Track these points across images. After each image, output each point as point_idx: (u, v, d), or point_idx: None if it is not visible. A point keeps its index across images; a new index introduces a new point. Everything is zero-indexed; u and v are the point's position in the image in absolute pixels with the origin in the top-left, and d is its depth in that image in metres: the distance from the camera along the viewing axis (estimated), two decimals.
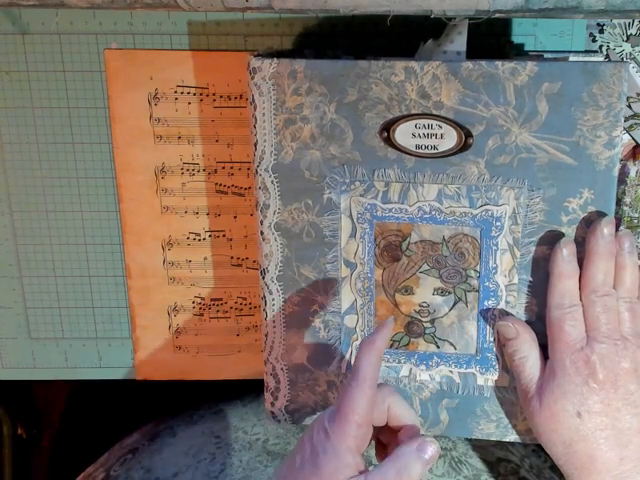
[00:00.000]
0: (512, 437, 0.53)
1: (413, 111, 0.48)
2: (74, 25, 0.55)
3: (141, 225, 0.59)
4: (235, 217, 0.59)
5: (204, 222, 0.59)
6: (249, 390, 0.64)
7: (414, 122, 0.48)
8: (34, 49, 0.56)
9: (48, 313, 0.62)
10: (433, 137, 0.48)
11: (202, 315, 0.61)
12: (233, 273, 0.60)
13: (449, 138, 0.48)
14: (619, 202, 0.56)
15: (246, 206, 0.58)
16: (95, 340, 0.63)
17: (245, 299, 0.60)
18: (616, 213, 0.56)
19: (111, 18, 0.55)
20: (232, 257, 0.60)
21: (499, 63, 0.46)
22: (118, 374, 0.63)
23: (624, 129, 0.54)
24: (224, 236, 0.59)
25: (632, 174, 0.55)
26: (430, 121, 0.48)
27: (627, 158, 0.55)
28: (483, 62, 0.46)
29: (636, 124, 0.54)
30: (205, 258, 0.60)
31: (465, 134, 0.47)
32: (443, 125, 0.47)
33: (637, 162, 0.55)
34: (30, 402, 0.84)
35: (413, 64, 0.47)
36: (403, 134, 0.48)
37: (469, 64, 0.46)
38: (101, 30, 0.56)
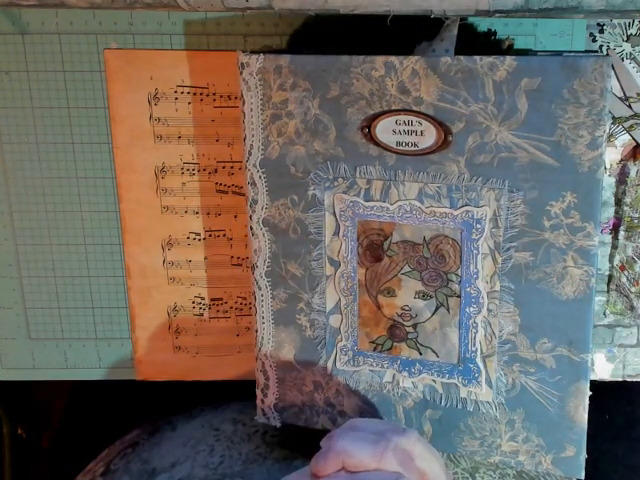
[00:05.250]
0: (497, 458, 0.52)
1: (393, 107, 0.48)
2: (74, 25, 0.55)
3: (141, 225, 0.59)
4: (235, 216, 0.59)
5: (204, 222, 0.59)
6: (248, 390, 0.64)
7: (394, 118, 0.48)
8: (34, 49, 0.56)
9: (48, 313, 0.62)
10: (413, 134, 0.48)
11: (202, 315, 0.61)
12: (233, 273, 0.60)
13: (429, 135, 0.47)
14: (619, 202, 0.56)
15: None
16: (95, 340, 0.63)
17: (245, 299, 0.60)
18: (616, 213, 0.56)
19: (111, 18, 0.55)
20: (232, 257, 0.60)
21: (477, 58, 0.45)
22: (118, 374, 0.63)
23: (624, 129, 0.54)
24: (224, 236, 0.59)
25: (632, 174, 0.55)
26: (410, 117, 0.47)
27: (627, 158, 0.55)
28: (462, 57, 0.46)
29: (636, 124, 0.54)
30: (205, 258, 0.60)
31: (445, 131, 0.47)
32: (423, 122, 0.47)
33: (637, 162, 0.55)
34: (30, 402, 0.84)
35: (393, 59, 0.47)
36: (384, 130, 0.48)
37: (447, 59, 0.46)
38: (101, 30, 0.56)
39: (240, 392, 0.64)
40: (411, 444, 0.43)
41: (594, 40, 0.53)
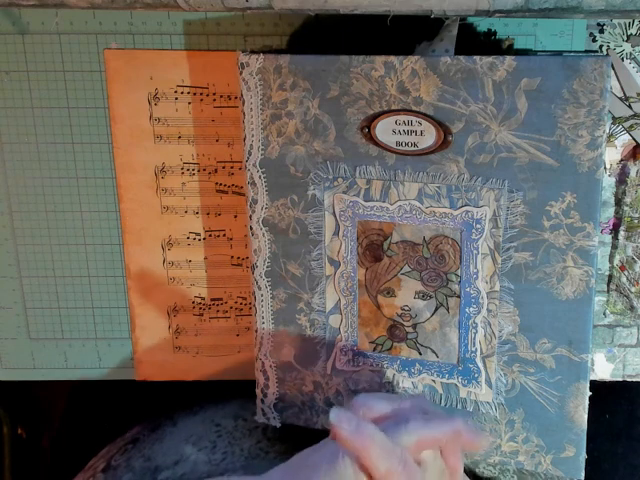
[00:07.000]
0: (496, 458, 0.52)
1: (393, 107, 0.48)
2: (74, 25, 0.55)
3: (141, 225, 0.59)
4: (235, 216, 0.59)
5: (204, 222, 0.59)
6: (249, 390, 0.65)
7: (394, 118, 0.48)
8: (34, 49, 0.56)
9: (48, 313, 0.62)
10: (413, 134, 0.48)
11: (202, 315, 0.61)
12: (233, 273, 0.60)
13: (429, 135, 0.47)
14: (619, 202, 0.56)
15: None
16: (95, 340, 0.63)
17: (245, 299, 0.60)
18: (616, 213, 0.56)
19: (111, 18, 0.55)
20: (232, 257, 0.60)
21: (477, 58, 0.45)
22: (118, 374, 0.63)
23: (624, 129, 0.54)
24: (224, 236, 0.59)
25: (632, 174, 0.55)
26: (410, 117, 0.47)
27: (627, 158, 0.55)
28: (461, 57, 0.46)
29: (636, 124, 0.54)
30: (205, 258, 0.60)
31: (444, 131, 0.47)
32: (423, 122, 0.47)
33: (637, 162, 0.55)
34: (30, 402, 0.84)
35: (392, 59, 0.47)
36: (383, 130, 0.48)
37: (447, 59, 0.46)
38: (101, 30, 0.56)
39: (240, 391, 0.64)
40: (426, 403, 0.43)
41: (594, 40, 0.53)
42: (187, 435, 0.59)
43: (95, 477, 0.58)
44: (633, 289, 0.57)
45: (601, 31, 0.53)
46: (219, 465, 0.55)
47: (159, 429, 0.61)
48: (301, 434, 0.57)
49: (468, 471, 0.55)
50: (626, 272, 0.57)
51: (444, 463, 0.41)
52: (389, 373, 0.53)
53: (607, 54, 0.53)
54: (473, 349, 0.51)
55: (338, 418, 0.39)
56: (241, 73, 0.50)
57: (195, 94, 0.56)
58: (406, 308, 0.52)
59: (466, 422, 0.40)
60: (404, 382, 0.53)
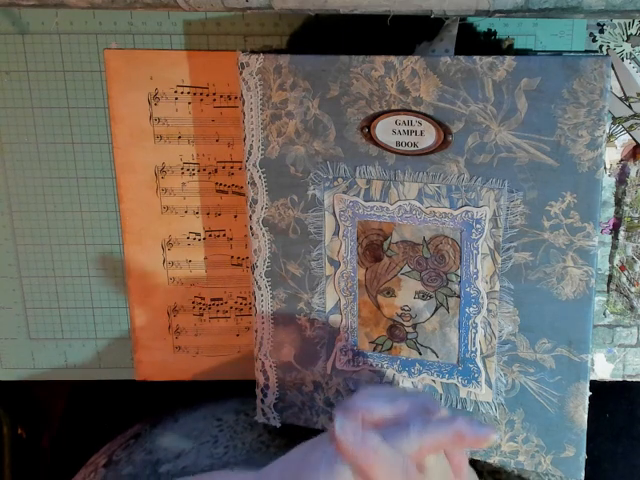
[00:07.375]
0: (496, 458, 0.52)
1: (393, 107, 0.48)
2: (74, 25, 0.55)
3: (141, 225, 0.59)
4: (235, 216, 0.59)
5: (204, 222, 0.59)
6: (249, 389, 0.65)
7: (394, 118, 0.48)
8: (34, 49, 0.56)
9: (48, 313, 0.62)
10: (413, 134, 0.48)
11: (202, 315, 0.61)
12: (233, 273, 0.60)
13: (429, 135, 0.47)
14: (619, 202, 0.56)
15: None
16: (95, 340, 0.63)
17: (245, 299, 0.60)
18: (616, 213, 0.56)
19: (111, 18, 0.55)
20: (232, 257, 0.60)
21: (477, 58, 0.45)
22: (118, 374, 0.63)
23: (624, 129, 0.54)
24: (224, 236, 0.59)
25: (632, 174, 0.55)
26: (410, 117, 0.47)
27: (627, 158, 0.55)
28: (461, 57, 0.46)
29: (636, 124, 0.54)
30: (205, 258, 0.60)
31: (444, 131, 0.47)
32: (422, 122, 0.47)
33: (637, 162, 0.55)
34: (30, 402, 0.84)
35: (392, 59, 0.47)
36: (383, 130, 0.48)
37: (447, 59, 0.46)
38: (101, 30, 0.56)
39: (240, 391, 0.64)
40: (428, 401, 0.42)
41: (594, 40, 0.53)
42: (189, 430, 0.59)
43: (97, 472, 0.58)
44: (633, 289, 0.57)
45: (601, 31, 0.53)
46: (221, 459, 0.55)
47: (160, 425, 0.62)
48: (302, 428, 0.57)
49: (470, 464, 0.55)
50: (626, 272, 0.57)
51: (448, 462, 0.41)
52: (389, 373, 0.53)
53: (607, 54, 0.53)
54: (473, 349, 0.51)
55: (343, 429, 0.38)
56: (241, 73, 0.50)
57: (195, 94, 0.56)
58: (406, 308, 0.52)
59: (468, 420, 0.38)
60: (404, 382, 0.53)
